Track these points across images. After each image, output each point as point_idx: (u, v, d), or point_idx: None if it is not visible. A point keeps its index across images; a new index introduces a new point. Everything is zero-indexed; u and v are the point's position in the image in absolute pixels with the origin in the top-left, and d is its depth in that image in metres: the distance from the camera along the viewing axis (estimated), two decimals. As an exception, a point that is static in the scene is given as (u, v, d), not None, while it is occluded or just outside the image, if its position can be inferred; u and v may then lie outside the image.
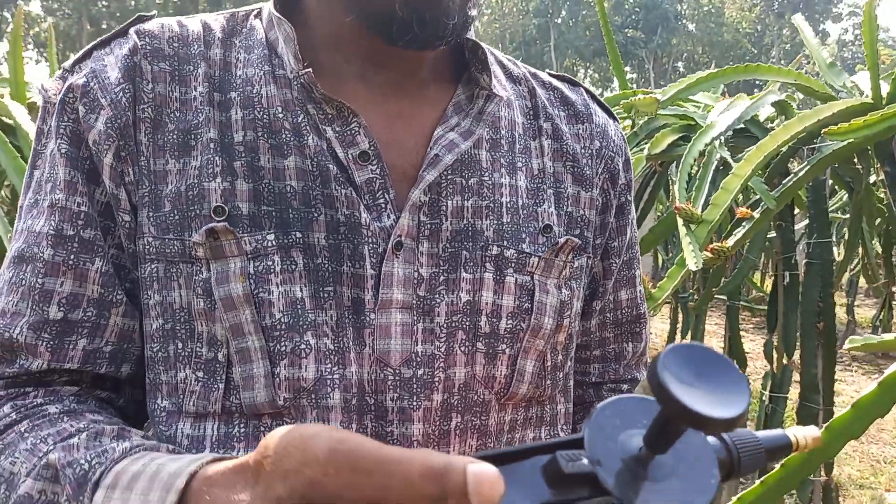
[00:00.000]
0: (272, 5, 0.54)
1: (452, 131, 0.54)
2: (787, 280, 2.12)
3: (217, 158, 0.49)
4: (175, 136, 0.50)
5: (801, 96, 2.09)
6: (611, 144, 0.63)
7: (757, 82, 1.83)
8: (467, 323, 0.53)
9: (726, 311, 2.48)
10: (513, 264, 0.55)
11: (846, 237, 2.38)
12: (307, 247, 0.49)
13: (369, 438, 0.29)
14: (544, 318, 0.56)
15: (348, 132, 0.51)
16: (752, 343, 4.71)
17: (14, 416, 0.47)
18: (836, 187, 2.55)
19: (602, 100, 0.66)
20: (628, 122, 2.51)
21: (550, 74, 0.65)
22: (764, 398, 2.17)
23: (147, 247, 0.49)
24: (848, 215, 2.65)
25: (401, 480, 0.27)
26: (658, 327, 5.12)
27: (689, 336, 2.70)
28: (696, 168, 1.90)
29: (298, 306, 0.49)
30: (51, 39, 2.62)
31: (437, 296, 0.52)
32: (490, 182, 0.55)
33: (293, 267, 0.49)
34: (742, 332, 5.11)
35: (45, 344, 0.49)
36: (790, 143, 1.61)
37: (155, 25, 0.53)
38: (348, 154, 0.51)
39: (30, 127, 1.68)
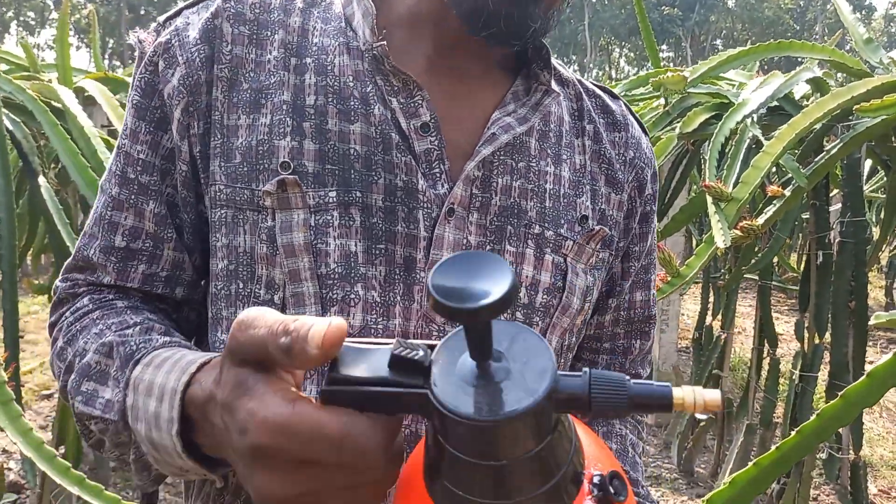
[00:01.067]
0: None
1: (509, 116, 0.58)
2: (821, 259, 2.11)
3: (288, 119, 0.54)
4: (248, 95, 0.55)
5: (841, 75, 2.06)
6: (643, 156, 0.67)
7: (801, 60, 1.79)
8: None
9: (758, 292, 2.47)
10: (551, 244, 0.59)
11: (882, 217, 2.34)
12: (365, 206, 0.54)
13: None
14: (573, 298, 0.60)
15: (412, 104, 0.55)
16: (787, 325, 4.65)
17: (90, 307, 0.56)
18: (878, 167, 2.51)
19: (633, 111, 0.70)
20: (661, 102, 2.50)
21: (594, 84, 0.70)
22: (794, 378, 2.17)
23: (218, 193, 0.54)
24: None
25: (266, 330, 0.35)
26: (690, 308, 5.09)
27: (719, 317, 2.69)
28: (730, 147, 1.89)
29: (351, 259, 0.53)
30: (94, 25, 2.71)
31: None
32: (537, 168, 0.60)
33: (350, 223, 0.54)
34: (777, 315, 5.02)
35: (111, 265, 0.57)
36: (824, 121, 1.59)
37: None
38: (410, 124, 0.55)
39: (77, 110, 1.75)
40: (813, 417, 0.70)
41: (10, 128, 1.68)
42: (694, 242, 3.85)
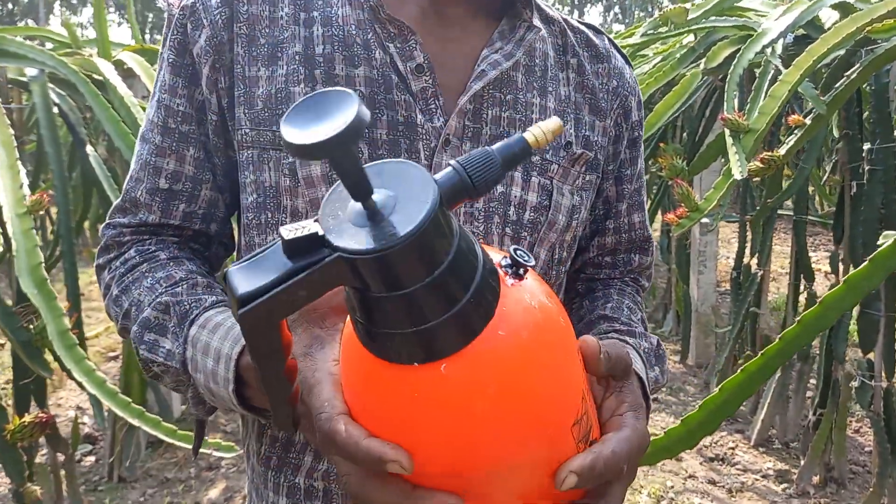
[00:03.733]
0: None
1: (496, 53, 0.64)
2: (854, 190, 2.08)
3: (301, 68, 0.61)
4: (265, 49, 0.62)
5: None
6: (626, 85, 0.72)
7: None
8: (500, 210, 0.64)
9: (793, 226, 2.45)
10: (537, 168, 0.66)
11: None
12: (371, 140, 0.60)
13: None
14: (559, 216, 0.67)
15: (407, 48, 0.62)
16: (827, 261, 4.54)
17: (137, 259, 0.65)
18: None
19: (616, 42, 0.75)
20: (691, 38, 2.45)
21: (579, 21, 0.75)
22: (829, 310, 2.17)
23: (244, 136, 0.62)
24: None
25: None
26: (733, 252, 5.01)
27: (756, 256, 2.68)
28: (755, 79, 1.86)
29: None
30: (129, 1, 2.80)
31: None
32: (524, 100, 0.66)
33: (360, 156, 0.61)
34: (826, 252, 4.87)
35: (157, 205, 0.66)
36: (845, 46, 1.57)
37: None
38: (407, 66, 0.62)
39: (117, 81, 1.85)
40: (794, 324, 0.74)
41: (57, 101, 1.79)
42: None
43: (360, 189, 0.33)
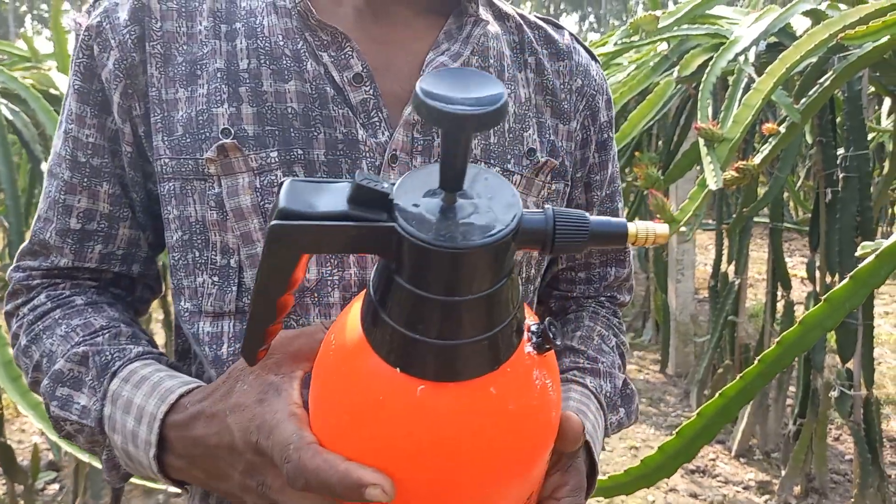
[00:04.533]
0: None
1: (443, 55, 0.58)
2: (829, 198, 2.06)
3: (224, 86, 0.54)
4: (183, 68, 0.55)
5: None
6: (592, 83, 0.66)
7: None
8: None
9: (769, 234, 2.44)
10: None
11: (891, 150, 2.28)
12: (308, 162, 0.54)
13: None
14: None
15: (342, 56, 0.55)
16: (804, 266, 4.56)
17: (49, 305, 0.58)
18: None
19: (586, 43, 0.69)
20: (664, 47, 2.44)
21: (538, 17, 0.69)
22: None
23: (164, 167, 0.55)
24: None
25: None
26: (711, 259, 5.02)
27: (733, 264, 2.66)
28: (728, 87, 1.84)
29: None
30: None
31: None
32: None
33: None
34: (802, 258, 4.90)
35: (69, 247, 0.59)
36: (818, 53, 1.55)
37: None
38: (343, 77, 0.55)
39: (74, 96, 1.79)
40: (774, 345, 0.71)
41: (10, 117, 1.72)
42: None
43: (455, 181, 0.32)
